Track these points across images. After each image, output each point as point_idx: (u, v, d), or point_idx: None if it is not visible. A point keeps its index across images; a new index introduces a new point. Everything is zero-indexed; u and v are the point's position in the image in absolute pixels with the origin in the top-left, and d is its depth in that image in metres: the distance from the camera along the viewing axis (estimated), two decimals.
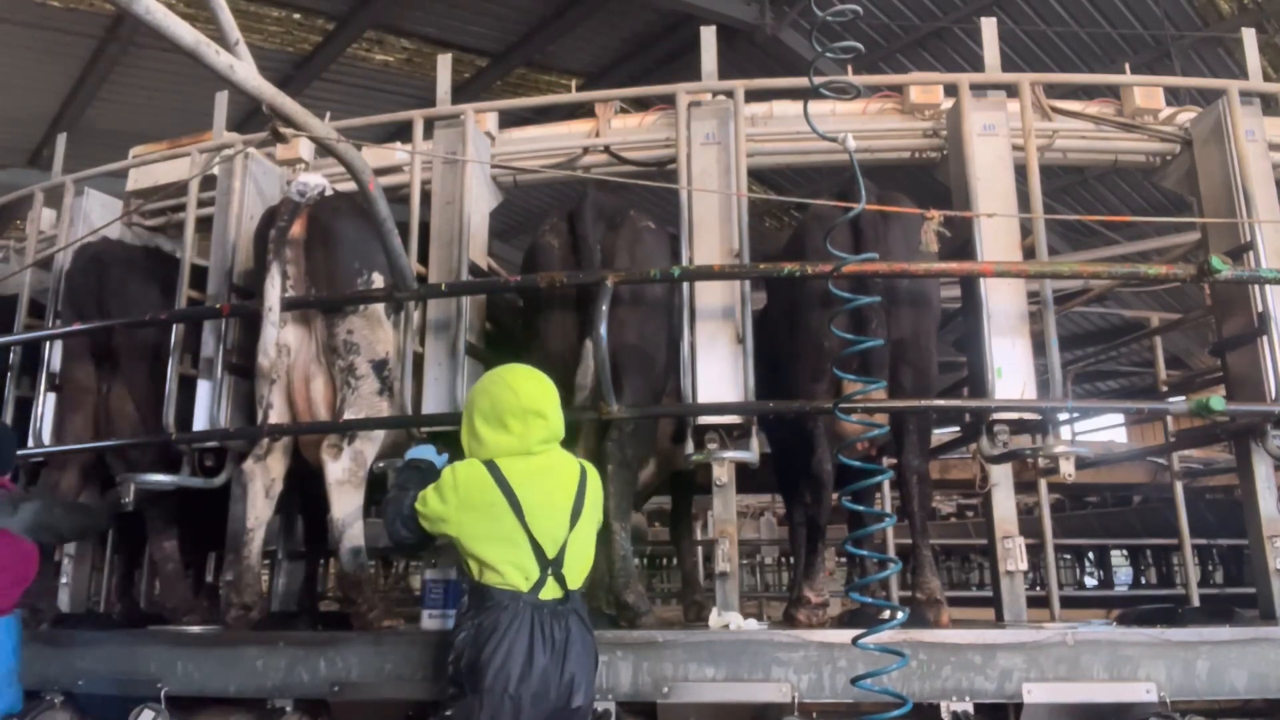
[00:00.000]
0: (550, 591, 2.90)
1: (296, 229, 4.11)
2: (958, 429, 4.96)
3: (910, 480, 3.91)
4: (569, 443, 3.31)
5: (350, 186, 4.12)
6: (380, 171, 4.52)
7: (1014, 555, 4.08)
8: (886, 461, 4.34)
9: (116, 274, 4.63)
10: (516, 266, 4.92)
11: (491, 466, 2.94)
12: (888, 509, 6.25)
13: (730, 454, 3.84)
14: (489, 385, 3.06)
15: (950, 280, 4.55)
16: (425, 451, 3.37)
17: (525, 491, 2.91)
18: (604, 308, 3.68)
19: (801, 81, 3.43)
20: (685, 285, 4.03)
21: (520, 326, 4.63)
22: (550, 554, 2.91)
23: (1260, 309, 3.96)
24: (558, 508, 2.96)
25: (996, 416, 3.86)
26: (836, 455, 3.58)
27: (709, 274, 3.99)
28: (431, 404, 4.16)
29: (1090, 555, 12.22)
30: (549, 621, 2.85)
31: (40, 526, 3.75)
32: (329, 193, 4.21)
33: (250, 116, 8.75)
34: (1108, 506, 11.24)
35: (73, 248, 4.90)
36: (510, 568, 2.86)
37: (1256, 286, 3.97)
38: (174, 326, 4.41)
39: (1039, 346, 3.97)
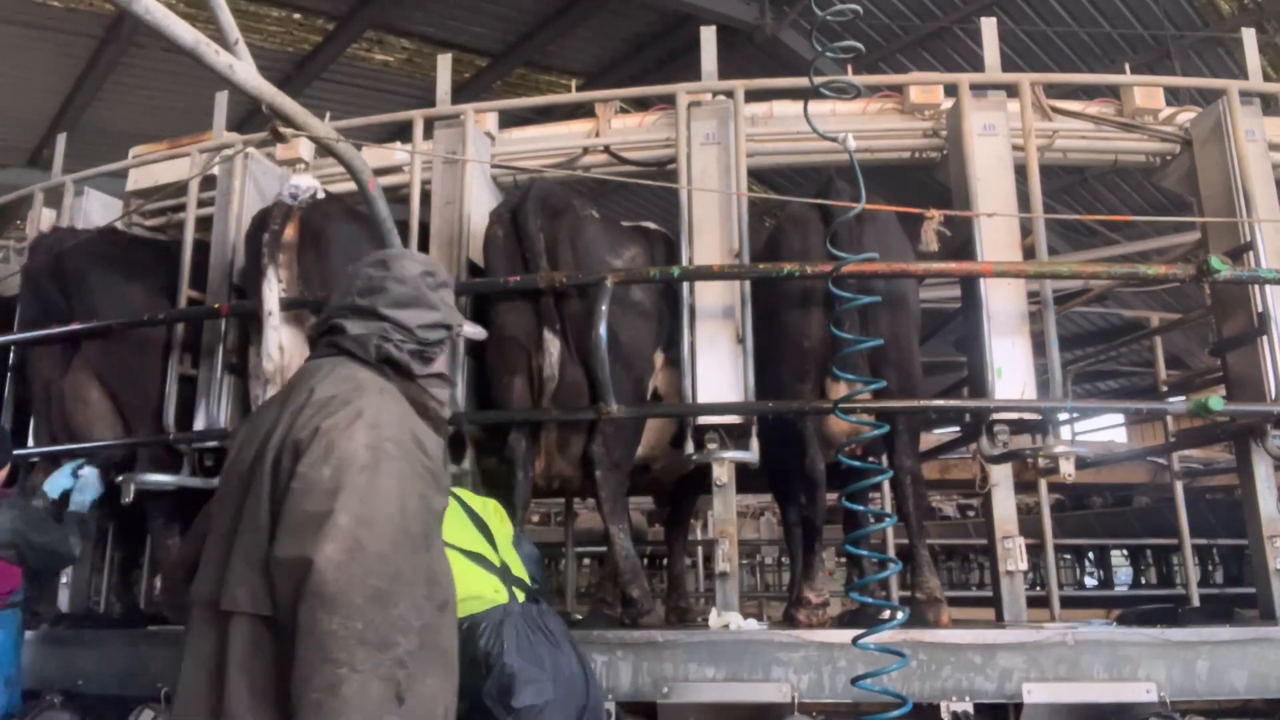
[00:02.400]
0: None
1: (289, 233, 4.08)
2: (958, 429, 4.95)
3: (903, 481, 3.89)
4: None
5: (350, 186, 4.12)
6: (380, 171, 4.51)
7: (1014, 555, 4.08)
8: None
9: (72, 263, 4.50)
10: None
11: None
12: (888, 509, 6.24)
13: (730, 454, 3.83)
14: None
15: (950, 280, 4.54)
16: None
17: None
18: (603, 307, 3.68)
19: (801, 81, 3.43)
20: (685, 285, 4.03)
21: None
22: None
23: (1260, 309, 3.96)
24: None
25: (996, 416, 3.85)
26: (836, 456, 3.57)
27: (709, 274, 3.99)
28: None
29: (1090, 555, 12.21)
30: None
31: (2, 544, 3.52)
32: (321, 195, 4.19)
33: (250, 116, 8.74)
34: (1108, 506, 11.23)
35: None
36: None
37: (1256, 286, 3.96)
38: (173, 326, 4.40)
39: (1039, 346, 3.97)
